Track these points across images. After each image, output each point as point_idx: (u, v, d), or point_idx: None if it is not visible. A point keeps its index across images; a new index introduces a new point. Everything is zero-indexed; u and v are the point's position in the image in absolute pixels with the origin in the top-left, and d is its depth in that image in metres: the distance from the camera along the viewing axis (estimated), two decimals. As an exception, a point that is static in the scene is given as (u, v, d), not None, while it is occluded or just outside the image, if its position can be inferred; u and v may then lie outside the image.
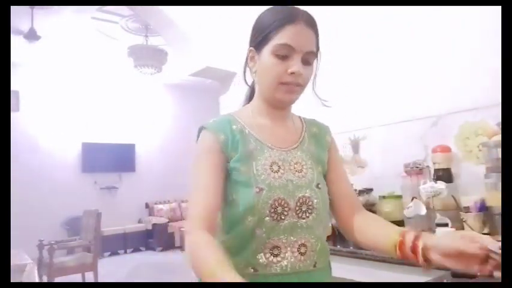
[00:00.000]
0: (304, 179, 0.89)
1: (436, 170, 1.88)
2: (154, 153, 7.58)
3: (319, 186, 0.91)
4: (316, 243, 0.88)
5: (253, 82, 1.01)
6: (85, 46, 5.61)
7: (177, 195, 7.67)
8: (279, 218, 0.84)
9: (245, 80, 1.04)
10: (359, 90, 2.37)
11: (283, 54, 0.86)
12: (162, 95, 7.85)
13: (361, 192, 2.10)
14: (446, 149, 1.89)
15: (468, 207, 1.69)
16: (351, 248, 1.76)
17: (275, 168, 0.88)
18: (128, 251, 6.76)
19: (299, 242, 0.86)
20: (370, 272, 1.61)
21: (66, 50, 5.74)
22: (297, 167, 0.91)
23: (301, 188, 0.88)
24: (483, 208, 1.66)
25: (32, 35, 4.64)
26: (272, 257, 0.84)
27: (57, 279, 4.03)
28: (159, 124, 7.72)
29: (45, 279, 3.94)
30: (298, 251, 0.86)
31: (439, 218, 1.71)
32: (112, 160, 6.94)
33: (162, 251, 6.77)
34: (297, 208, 0.86)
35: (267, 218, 0.83)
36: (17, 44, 5.06)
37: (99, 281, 4.30)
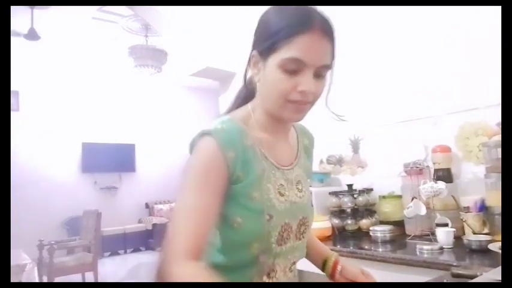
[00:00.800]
0: (304, 198, 0.87)
1: (436, 170, 1.88)
2: (154, 153, 7.58)
3: (312, 203, 0.90)
4: (302, 257, 0.89)
5: (250, 84, 0.87)
6: (85, 46, 5.61)
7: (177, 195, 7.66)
8: (282, 243, 0.80)
9: (245, 83, 0.88)
10: (359, 90, 2.37)
11: (293, 69, 0.73)
12: (162, 95, 7.85)
13: (361, 192, 2.10)
14: (446, 149, 1.90)
15: (468, 207, 1.69)
16: (351, 248, 1.76)
17: (282, 191, 0.81)
18: (128, 251, 6.76)
19: (291, 261, 0.85)
20: (370, 272, 1.61)
21: (66, 50, 5.74)
22: (298, 186, 0.86)
23: (302, 209, 0.85)
24: (483, 208, 1.66)
25: (32, 35, 4.64)
26: (266, 278, 0.80)
27: (57, 279, 4.03)
28: (159, 124, 7.72)
29: (45, 279, 3.94)
30: (289, 269, 0.85)
31: (439, 218, 1.71)
32: (112, 160, 6.93)
33: (162, 251, 6.76)
34: (297, 230, 0.83)
35: (273, 245, 0.78)
36: (17, 44, 5.06)
37: (99, 281, 4.30)
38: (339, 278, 0.94)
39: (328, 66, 0.76)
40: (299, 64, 0.72)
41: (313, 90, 0.74)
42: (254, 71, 0.81)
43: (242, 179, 0.75)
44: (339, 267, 0.95)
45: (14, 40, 4.93)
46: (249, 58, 0.82)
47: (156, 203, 7.40)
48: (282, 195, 0.80)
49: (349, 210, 2.06)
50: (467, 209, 1.69)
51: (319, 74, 0.75)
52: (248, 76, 0.86)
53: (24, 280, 2.79)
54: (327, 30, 0.74)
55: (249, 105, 0.85)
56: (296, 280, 0.89)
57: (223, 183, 0.74)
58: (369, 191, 2.11)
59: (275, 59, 0.73)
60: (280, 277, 0.82)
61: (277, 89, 0.75)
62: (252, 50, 0.80)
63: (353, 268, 0.95)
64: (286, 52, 0.72)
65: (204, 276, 0.66)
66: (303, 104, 0.76)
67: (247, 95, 0.88)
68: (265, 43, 0.75)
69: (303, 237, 0.85)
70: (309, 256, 0.98)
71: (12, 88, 5.83)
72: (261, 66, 0.78)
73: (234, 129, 0.77)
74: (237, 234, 0.76)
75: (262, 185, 0.78)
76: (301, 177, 0.88)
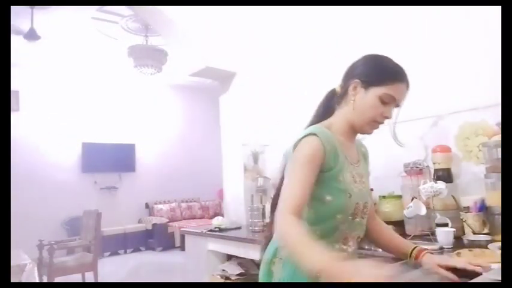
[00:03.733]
0: (366, 188, 1.16)
1: (436, 170, 1.88)
2: (155, 153, 7.58)
3: (370, 194, 1.21)
4: (362, 234, 1.16)
5: (330, 100, 1.18)
6: (85, 46, 5.61)
7: (177, 195, 7.67)
8: (354, 217, 1.09)
9: (326, 101, 1.20)
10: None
11: (385, 101, 1.07)
12: (162, 95, 7.85)
13: (361, 192, 2.10)
14: (446, 149, 1.90)
15: (468, 207, 1.69)
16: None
17: (355, 179, 1.11)
18: (128, 251, 6.76)
19: (358, 235, 1.14)
20: (370, 272, 1.61)
21: (66, 50, 5.74)
22: (362, 179, 1.14)
23: (365, 195, 1.14)
24: (483, 208, 1.66)
25: (32, 35, 4.63)
26: (343, 245, 1.09)
27: (57, 279, 4.03)
28: (159, 124, 7.72)
29: (45, 279, 3.93)
30: (357, 240, 1.14)
31: (439, 218, 1.71)
32: (112, 160, 6.93)
33: (162, 251, 6.77)
34: (362, 210, 1.11)
35: (349, 217, 1.08)
36: (17, 44, 5.06)
37: (99, 281, 4.30)
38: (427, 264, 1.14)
39: (400, 106, 1.12)
40: (391, 99, 1.07)
41: (390, 118, 1.11)
42: (352, 92, 1.11)
43: (333, 167, 1.06)
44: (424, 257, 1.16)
45: (14, 40, 4.93)
46: (349, 83, 1.11)
47: (156, 203, 7.40)
48: (355, 182, 1.10)
49: (349, 210, 2.06)
50: (467, 209, 1.69)
51: (394, 108, 1.11)
52: (335, 97, 1.17)
53: (24, 280, 2.79)
54: (408, 84, 1.10)
55: (331, 119, 1.16)
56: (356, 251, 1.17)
57: (319, 167, 1.04)
58: (368, 191, 2.10)
59: (377, 90, 1.07)
60: (351, 245, 1.11)
61: (371, 111, 1.08)
62: (354, 78, 1.10)
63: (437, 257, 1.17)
64: (387, 90, 1.06)
65: (299, 226, 0.92)
66: (380, 124, 1.12)
67: (326, 110, 1.19)
68: (373, 77, 1.08)
69: (365, 216, 1.14)
70: (393, 249, 1.25)
71: (12, 88, 5.83)
72: (359, 91, 1.09)
73: (327, 132, 1.08)
74: (326, 208, 1.06)
75: (344, 172, 1.08)
76: (363, 174, 1.17)
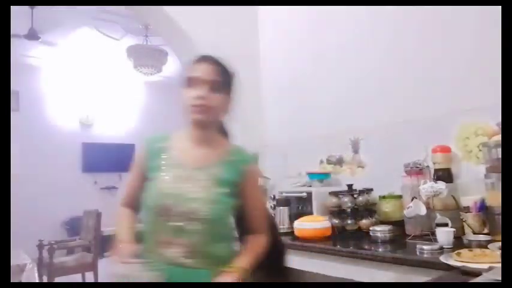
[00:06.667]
0: (196, 194, 1.13)
1: (436, 170, 1.88)
2: (154, 153, 7.56)
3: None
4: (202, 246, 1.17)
5: None
6: (85, 46, 5.60)
7: (177, 195, 7.66)
8: (166, 219, 1.15)
9: None
10: (359, 91, 2.37)
11: (191, 84, 1.18)
12: (162, 95, 7.84)
13: (361, 192, 2.10)
14: (446, 149, 1.90)
15: (468, 207, 1.69)
16: (351, 248, 1.76)
17: (177, 180, 1.16)
18: (128, 251, 6.75)
19: (189, 242, 1.12)
20: (370, 272, 1.61)
21: (66, 50, 5.74)
22: (196, 184, 1.14)
23: (188, 200, 1.14)
24: (483, 208, 1.66)
25: (32, 35, 4.64)
26: (165, 249, 1.17)
27: (57, 279, 4.03)
28: (159, 124, 7.71)
29: (45, 279, 3.93)
30: (193, 250, 1.13)
31: (439, 218, 1.71)
32: (112, 160, 6.92)
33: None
34: (179, 213, 1.13)
35: (160, 218, 1.18)
36: (17, 45, 5.05)
37: (99, 281, 4.30)
38: None
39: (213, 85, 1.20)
40: (195, 80, 1.20)
41: (204, 96, 1.16)
42: None
43: (149, 166, 1.29)
44: None
45: (14, 40, 4.92)
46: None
47: (156, 203, 7.39)
48: (175, 182, 1.18)
49: (349, 210, 2.06)
50: (467, 209, 1.69)
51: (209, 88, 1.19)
52: None
53: (24, 280, 2.79)
54: (210, 61, 1.26)
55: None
56: None
57: (142, 167, 1.30)
58: (369, 191, 2.10)
59: (183, 79, 1.22)
60: (180, 251, 1.14)
61: (184, 98, 1.19)
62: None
63: None
64: (187, 72, 1.21)
65: (125, 214, 1.40)
66: (199, 107, 1.16)
67: None
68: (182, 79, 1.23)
69: (194, 222, 1.13)
70: None
71: (12, 88, 5.83)
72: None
73: (161, 136, 1.38)
74: (144, 207, 1.27)
75: (160, 171, 1.22)
76: (203, 180, 1.16)
